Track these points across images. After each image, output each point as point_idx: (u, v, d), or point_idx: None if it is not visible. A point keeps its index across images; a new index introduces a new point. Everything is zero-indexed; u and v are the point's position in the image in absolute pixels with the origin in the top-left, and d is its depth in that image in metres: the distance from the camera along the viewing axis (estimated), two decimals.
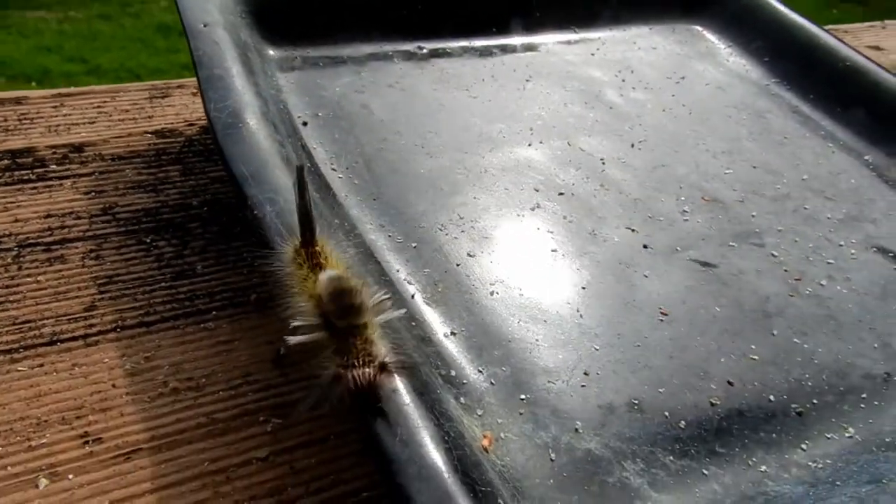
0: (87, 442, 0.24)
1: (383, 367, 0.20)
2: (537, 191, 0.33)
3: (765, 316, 0.29)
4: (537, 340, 0.25)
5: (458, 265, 0.28)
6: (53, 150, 0.36)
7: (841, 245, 0.33)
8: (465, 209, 0.31)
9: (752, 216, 0.34)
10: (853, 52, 0.43)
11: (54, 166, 0.35)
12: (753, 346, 0.27)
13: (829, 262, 0.32)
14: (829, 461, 0.23)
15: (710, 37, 0.48)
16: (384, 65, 0.39)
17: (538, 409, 0.23)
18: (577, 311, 0.27)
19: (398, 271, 0.27)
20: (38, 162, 0.35)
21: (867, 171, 0.38)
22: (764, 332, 0.28)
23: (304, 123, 0.34)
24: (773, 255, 0.32)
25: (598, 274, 0.29)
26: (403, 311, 0.21)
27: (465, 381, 0.24)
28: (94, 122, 0.38)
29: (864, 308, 0.29)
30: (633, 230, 0.32)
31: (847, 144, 0.40)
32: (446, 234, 0.29)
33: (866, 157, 0.39)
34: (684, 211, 0.33)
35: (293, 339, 0.20)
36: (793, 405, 0.25)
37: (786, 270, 0.31)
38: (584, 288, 0.28)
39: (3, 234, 0.31)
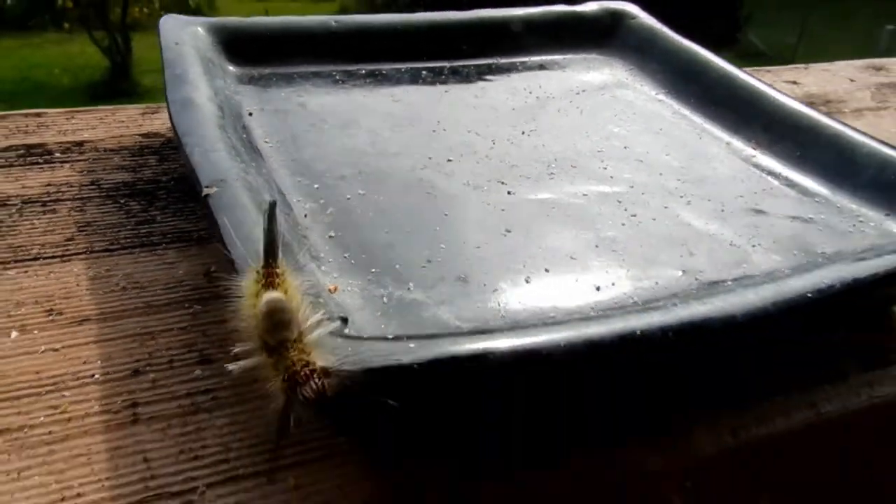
0: (50, 312, 0.32)
1: (326, 373, 0.21)
2: (430, 158, 0.41)
3: (599, 238, 0.35)
4: (394, 245, 0.33)
5: (348, 198, 0.36)
6: (60, 144, 0.46)
7: (681, 196, 0.40)
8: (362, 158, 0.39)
9: (611, 177, 0.41)
10: (725, 63, 0.51)
11: (58, 154, 0.45)
12: (575, 252, 0.34)
13: (665, 207, 0.39)
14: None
15: (615, 62, 0.57)
16: (324, 80, 0.48)
17: (382, 277, 0.30)
18: (436, 228, 0.35)
19: (298, 201, 0.35)
20: (46, 152, 0.45)
21: (724, 152, 0.46)
22: (591, 246, 0.35)
23: (250, 114, 0.43)
24: (618, 201, 0.39)
25: (462, 206, 0.36)
26: (338, 324, 0.23)
27: (323, 256, 0.31)
28: (95, 128, 0.48)
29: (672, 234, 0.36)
30: (502, 183, 0.39)
31: (714, 134, 0.48)
32: (342, 178, 0.37)
33: (728, 142, 0.47)
34: (552, 174, 0.41)
35: (233, 367, 0.22)
36: (593, 285, 0.32)
37: (625, 210, 0.38)
38: (446, 214, 0.36)
39: (11, 195, 0.40)
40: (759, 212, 0.39)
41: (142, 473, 0.25)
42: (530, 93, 0.51)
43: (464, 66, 0.53)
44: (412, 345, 0.23)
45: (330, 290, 0.29)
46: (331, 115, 0.44)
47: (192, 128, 0.36)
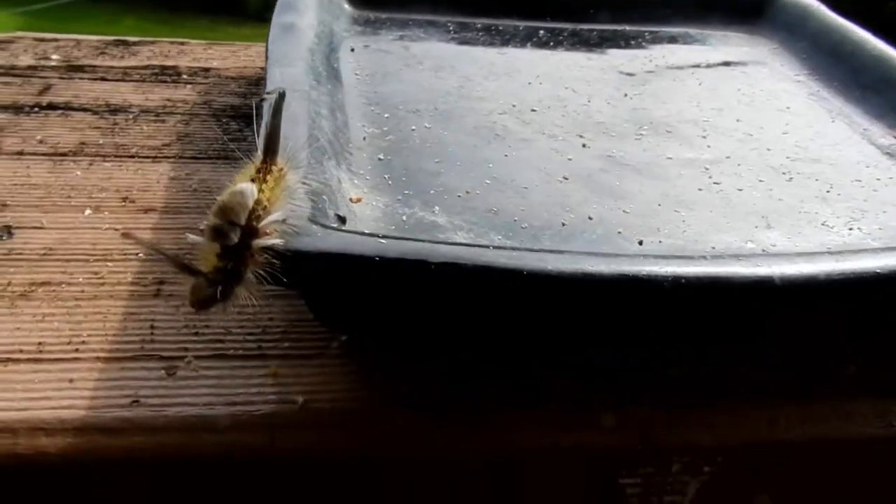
0: (125, 200, 0.35)
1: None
2: (514, 106, 0.40)
3: (657, 194, 0.33)
4: (440, 174, 0.32)
5: (412, 129, 0.36)
6: (189, 68, 0.49)
7: (784, 173, 0.36)
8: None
9: (708, 146, 0.38)
10: (883, 44, 0.45)
11: (185, 76, 0.48)
12: (632, 206, 0.32)
13: (759, 180, 0.35)
14: None
15: (758, 40, 0.52)
16: (437, 29, 0.49)
17: (411, 199, 0.30)
18: (490, 165, 0.33)
19: (362, 125, 0.36)
20: (176, 73, 0.49)
21: (858, 137, 0.40)
22: (650, 201, 0.32)
23: (352, 49, 0.44)
24: (705, 168, 0.36)
25: (526, 149, 0.35)
26: (281, 242, 0.22)
27: (363, 173, 0.31)
28: (225, 59, 0.52)
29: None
30: (580, 136, 0.37)
31: (851, 118, 0.42)
32: (415, 112, 0.37)
33: (866, 128, 0.41)
34: (640, 135, 0.38)
35: (191, 238, 0.22)
36: (636, 238, 0.29)
37: (710, 177, 0.35)
38: (505, 155, 0.35)
39: (133, 104, 0.44)
40: (874, 199, 0.34)
41: (144, 336, 0.27)
42: (650, 61, 0.48)
43: (586, 30, 0.51)
44: (383, 242, 0.22)
45: (352, 199, 0.29)
46: (429, 59, 0.44)
47: (280, 48, 0.37)
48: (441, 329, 0.24)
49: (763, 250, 0.29)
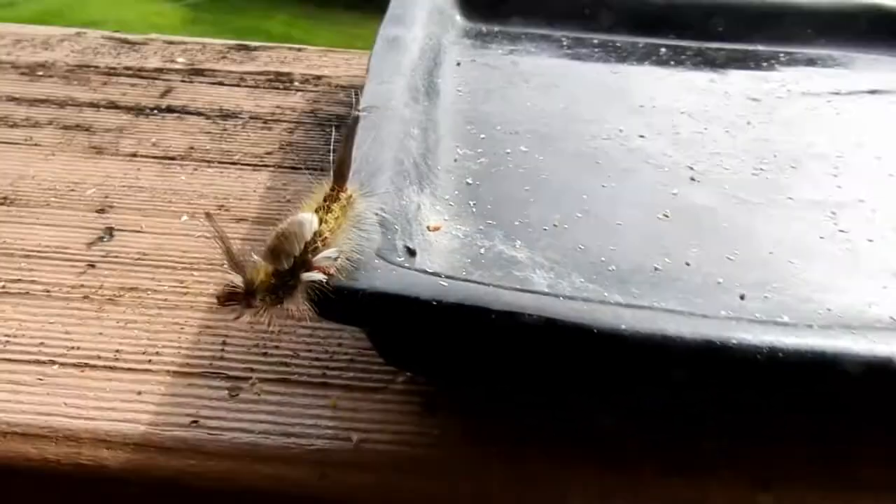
0: (221, 207, 0.36)
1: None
2: (621, 131, 0.37)
3: (770, 240, 0.29)
4: (528, 203, 0.31)
5: (507, 152, 0.34)
6: (303, 75, 0.50)
7: None
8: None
9: (838, 186, 0.34)
10: None
11: (297, 83, 0.49)
12: (739, 252, 0.29)
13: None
14: None
15: None
16: (550, 44, 0.47)
17: (493, 230, 0.29)
18: (584, 196, 0.31)
19: (456, 146, 0.34)
20: (289, 80, 0.50)
21: None
22: (761, 248, 0.29)
23: (458, 63, 0.43)
24: (831, 213, 0.32)
25: (626, 181, 0.33)
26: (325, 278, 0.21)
27: (447, 199, 0.30)
28: (338, 67, 0.52)
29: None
30: (691, 168, 0.34)
31: None
32: (513, 133, 0.36)
33: None
34: (759, 169, 0.35)
35: (255, 257, 0.21)
36: (738, 290, 0.26)
37: (835, 223, 0.31)
38: (603, 186, 0.32)
39: (244, 110, 0.45)
40: None
41: (214, 353, 0.27)
42: (783, 86, 0.44)
43: (713, 49, 0.48)
44: (444, 283, 0.21)
45: (430, 227, 0.28)
46: (537, 77, 0.42)
47: (381, 62, 0.37)
48: (507, 374, 0.23)
49: (891, 318, 0.26)
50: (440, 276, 0.21)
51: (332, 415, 0.25)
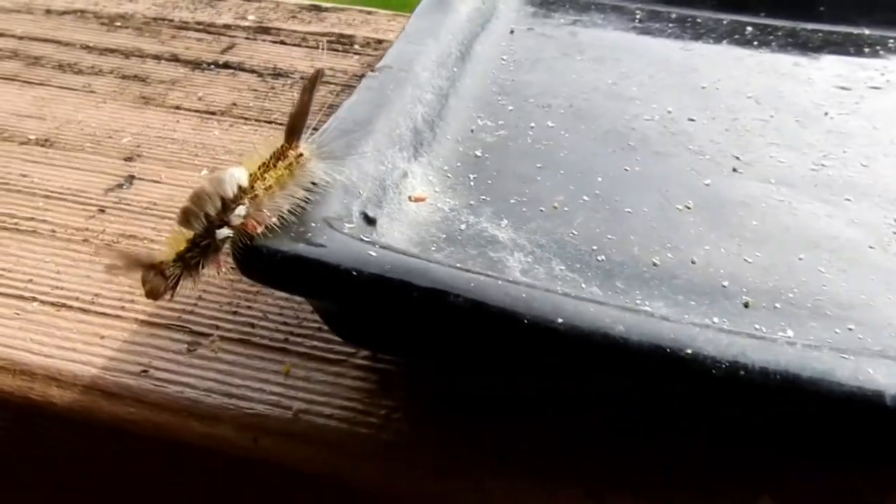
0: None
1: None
2: (669, 112, 0.34)
3: (805, 243, 0.26)
4: (534, 181, 0.28)
5: (531, 126, 0.32)
6: (365, 39, 0.49)
7: None
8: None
9: None
10: None
11: (357, 47, 0.48)
12: (760, 255, 0.25)
13: None
14: None
15: None
16: (620, 16, 0.43)
17: (484, 206, 0.26)
18: (600, 178, 0.29)
19: (478, 116, 0.32)
20: (350, 43, 0.49)
21: None
22: (790, 252, 0.25)
23: (512, 31, 0.41)
24: (894, 233, 0.27)
25: (654, 166, 0.30)
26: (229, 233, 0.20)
27: (446, 170, 0.28)
28: None
29: None
30: (737, 158, 0.31)
31: None
32: (545, 107, 0.33)
33: None
34: (820, 165, 0.31)
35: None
36: (744, 297, 0.23)
37: (886, 247, 0.27)
38: (626, 169, 0.29)
39: (297, 69, 0.45)
40: None
41: (187, 307, 0.27)
42: (882, 74, 0.39)
43: (808, 31, 0.42)
44: (372, 253, 0.19)
45: (412, 197, 0.26)
46: (594, 49, 0.39)
47: (419, 23, 0.35)
48: (440, 352, 0.21)
49: None
50: (372, 246, 0.20)
51: (282, 381, 0.24)
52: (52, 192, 0.33)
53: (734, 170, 0.30)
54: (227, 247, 0.20)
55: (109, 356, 0.24)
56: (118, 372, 0.24)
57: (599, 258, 0.24)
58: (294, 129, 0.22)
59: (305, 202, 0.21)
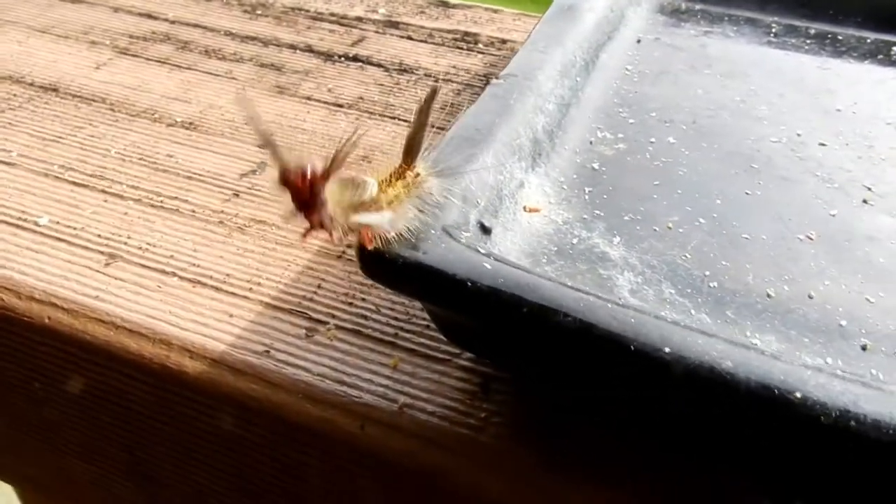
0: (364, 158, 0.37)
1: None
2: (799, 135, 0.33)
3: None
4: (650, 199, 0.28)
5: (651, 141, 0.32)
6: (489, 38, 0.50)
7: None
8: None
9: None
10: None
11: (482, 45, 0.49)
12: (884, 294, 0.24)
13: None
14: None
15: None
16: (755, 29, 0.42)
17: (597, 221, 0.27)
18: (718, 201, 0.28)
19: (598, 127, 0.33)
20: (474, 41, 0.50)
21: None
22: None
23: (639, 40, 0.40)
24: None
25: (777, 192, 0.29)
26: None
27: (562, 181, 0.29)
28: (527, 32, 0.51)
29: None
30: (868, 188, 0.30)
31: None
32: (667, 122, 0.33)
33: None
34: None
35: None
36: (862, 339, 0.22)
37: None
38: (747, 193, 0.29)
39: (421, 66, 0.46)
40: None
41: (307, 293, 0.28)
42: None
43: None
44: (487, 265, 0.20)
45: (527, 208, 0.27)
46: (723, 63, 0.38)
47: (544, 30, 0.36)
48: (547, 366, 0.22)
49: None
50: (487, 258, 0.20)
51: (389, 374, 0.25)
52: (194, 173, 0.36)
53: (864, 201, 0.29)
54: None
55: (237, 334, 0.26)
56: (244, 350, 0.26)
57: (711, 284, 0.24)
58: (410, 150, 0.22)
59: (422, 219, 0.22)
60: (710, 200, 0.28)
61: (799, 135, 0.33)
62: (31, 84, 0.43)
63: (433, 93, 0.22)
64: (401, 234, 0.21)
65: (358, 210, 0.20)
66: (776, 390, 0.17)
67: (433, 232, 0.21)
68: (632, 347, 0.18)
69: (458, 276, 0.20)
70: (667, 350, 0.18)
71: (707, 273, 0.25)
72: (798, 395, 0.17)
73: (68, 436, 0.31)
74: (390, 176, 0.22)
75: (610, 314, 0.19)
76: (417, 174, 0.22)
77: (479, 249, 0.21)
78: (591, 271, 0.24)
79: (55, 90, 0.43)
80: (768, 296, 0.24)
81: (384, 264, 0.20)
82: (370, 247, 0.20)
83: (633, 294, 0.23)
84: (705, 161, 0.31)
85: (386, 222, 0.21)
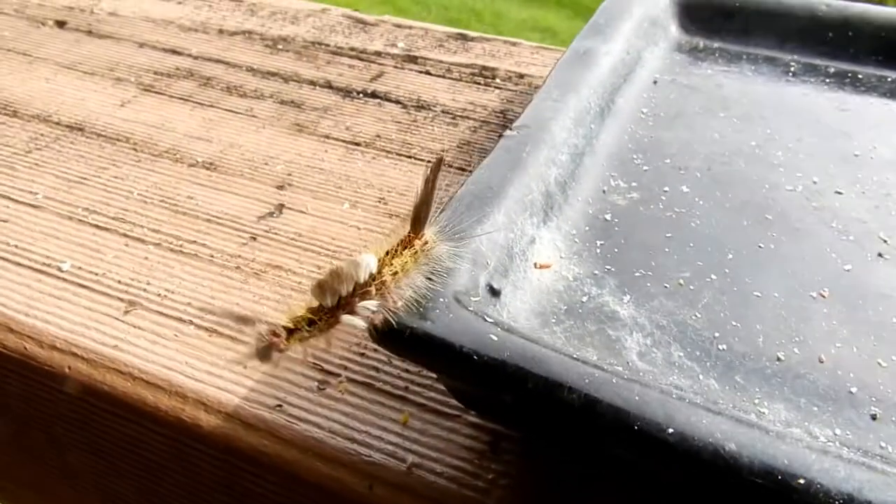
0: (381, 201, 0.37)
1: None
2: (815, 183, 0.33)
3: None
4: (662, 253, 0.28)
5: (664, 190, 0.32)
6: (507, 72, 0.50)
7: None
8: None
9: None
10: None
11: (499, 80, 0.49)
12: (894, 358, 0.24)
13: None
14: None
15: None
16: (773, 68, 0.42)
17: (608, 277, 0.27)
18: (730, 256, 0.28)
19: (612, 175, 0.33)
20: (492, 76, 0.50)
21: None
22: None
23: (655, 82, 0.40)
24: None
25: (789, 245, 0.29)
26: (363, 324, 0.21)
27: (574, 234, 0.29)
28: (546, 67, 0.51)
29: None
30: (884, 241, 0.29)
31: None
32: (682, 169, 0.33)
33: None
34: None
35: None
36: (872, 407, 0.22)
37: None
38: (759, 247, 0.29)
39: (439, 103, 0.47)
40: None
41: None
42: None
43: None
44: (494, 337, 0.20)
45: (537, 265, 0.27)
46: (739, 105, 0.38)
47: (560, 76, 0.36)
48: (552, 435, 0.22)
49: None
50: (494, 328, 0.21)
51: (399, 431, 0.25)
52: (212, 216, 0.36)
53: (879, 255, 0.29)
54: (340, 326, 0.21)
55: (250, 387, 0.27)
56: (256, 404, 0.26)
57: (721, 347, 0.24)
58: (418, 219, 0.23)
59: (430, 286, 0.22)
60: (723, 255, 0.28)
61: (815, 182, 0.33)
62: (58, 123, 0.45)
63: (438, 163, 0.23)
64: (410, 303, 0.21)
65: (350, 301, 0.21)
66: (780, 475, 0.17)
67: (442, 300, 0.22)
68: (635, 427, 0.18)
69: (464, 348, 0.20)
70: (670, 431, 0.18)
71: (717, 335, 0.25)
72: (802, 481, 0.17)
73: (88, 480, 0.31)
74: (397, 245, 0.22)
75: (614, 391, 0.19)
76: (426, 242, 0.22)
77: (486, 317, 0.21)
78: (599, 332, 0.24)
79: (81, 129, 0.44)
80: (778, 359, 0.24)
81: (392, 335, 0.20)
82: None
83: (641, 357, 0.23)
84: (719, 211, 0.30)
85: (374, 305, 0.21)
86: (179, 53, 0.53)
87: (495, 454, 0.25)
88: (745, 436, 0.18)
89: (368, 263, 0.21)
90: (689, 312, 0.25)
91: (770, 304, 0.26)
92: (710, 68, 0.42)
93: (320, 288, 0.21)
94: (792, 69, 0.42)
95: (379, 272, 0.21)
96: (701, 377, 0.23)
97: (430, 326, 0.20)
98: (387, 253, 0.22)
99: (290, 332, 0.21)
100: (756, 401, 0.22)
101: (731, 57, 0.43)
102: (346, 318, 0.21)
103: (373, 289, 0.21)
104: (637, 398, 0.19)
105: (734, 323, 0.25)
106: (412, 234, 0.23)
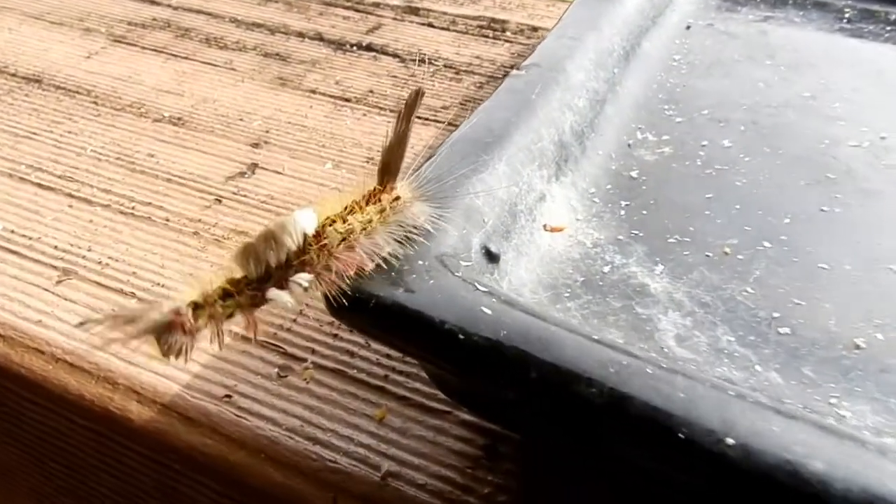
0: (368, 161, 0.32)
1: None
2: (883, 139, 0.27)
3: None
4: (700, 216, 0.23)
5: (702, 145, 0.27)
6: (518, 25, 0.45)
7: None
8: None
9: None
10: None
11: (510, 34, 0.44)
12: None
13: None
14: None
15: None
16: (825, 15, 0.36)
17: (636, 243, 0.22)
18: (787, 220, 0.23)
19: (639, 128, 0.27)
20: (502, 29, 0.45)
21: None
22: None
23: (688, 27, 0.35)
24: None
25: (855, 210, 0.23)
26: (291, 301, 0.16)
27: (593, 192, 0.23)
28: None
29: None
30: None
31: None
32: (722, 122, 0.28)
33: None
34: None
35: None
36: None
37: None
38: (823, 210, 0.23)
39: (441, 56, 0.41)
40: None
41: (283, 322, 0.24)
42: None
43: None
44: (487, 311, 0.15)
45: (548, 227, 0.22)
46: (786, 53, 0.33)
47: (577, 13, 0.31)
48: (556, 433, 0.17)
49: None
50: (489, 298, 0.15)
51: (374, 430, 0.20)
52: (174, 175, 0.31)
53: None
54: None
55: (195, 373, 0.22)
56: (200, 393, 0.21)
57: (781, 330, 0.19)
58: (388, 167, 0.18)
59: (400, 251, 0.17)
60: (777, 219, 0.23)
61: (883, 138, 0.27)
62: (14, 75, 0.40)
63: (416, 95, 0.17)
64: (382, 266, 0.16)
65: (291, 261, 0.16)
66: (868, 496, 0.12)
67: (420, 263, 0.16)
68: (681, 434, 0.13)
69: (447, 324, 0.15)
70: (730, 442, 0.13)
71: (775, 315, 0.19)
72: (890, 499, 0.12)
73: (19, 477, 0.27)
74: (359, 200, 0.17)
75: (650, 384, 0.14)
76: (397, 196, 0.17)
77: (479, 286, 0.16)
78: (626, 310, 0.19)
79: (38, 81, 0.39)
80: (857, 347, 0.19)
81: (353, 305, 0.15)
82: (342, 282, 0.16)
83: (679, 342, 0.18)
84: (769, 169, 0.25)
85: (306, 280, 0.16)
86: (157, 4, 0.48)
87: (492, 462, 0.20)
88: (835, 451, 0.13)
89: (304, 224, 0.16)
90: (739, 287, 0.20)
91: (841, 279, 0.21)
92: (752, 13, 0.36)
93: (244, 254, 0.16)
94: (846, 15, 0.36)
95: (323, 234, 0.16)
96: (758, 368, 0.18)
97: (403, 295, 0.15)
98: (345, 208, 0.17)
99: (198, 308, 0.15)
100: (833, 400, 0.17)
101: (774, 2, 0.37)
102: (273, 293, 0.16)
103: (313, 256, 0.16)
104: (682, 395, 0.14)
105: (796, 300, 0.20)
106: (379, 188, 0.17)
